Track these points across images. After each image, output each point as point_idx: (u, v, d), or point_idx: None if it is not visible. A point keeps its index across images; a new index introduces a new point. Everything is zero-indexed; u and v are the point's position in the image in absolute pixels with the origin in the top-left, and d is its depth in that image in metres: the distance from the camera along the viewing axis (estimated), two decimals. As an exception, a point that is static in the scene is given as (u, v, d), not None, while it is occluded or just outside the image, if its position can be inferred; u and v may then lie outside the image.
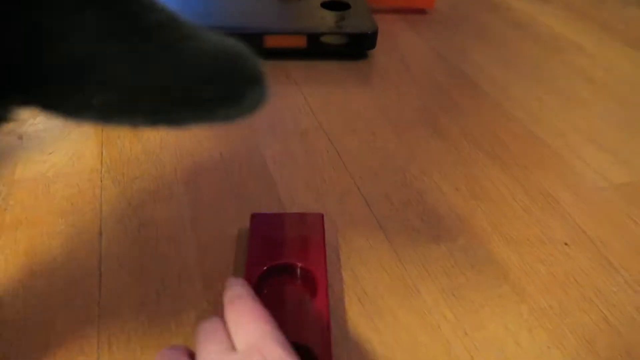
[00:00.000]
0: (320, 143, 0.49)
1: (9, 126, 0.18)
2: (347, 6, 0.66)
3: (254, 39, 0.60)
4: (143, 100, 0.17)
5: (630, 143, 0.51)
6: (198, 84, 0.17)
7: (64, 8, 0.15)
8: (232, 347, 0.24)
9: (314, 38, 0.61)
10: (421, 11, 0.78)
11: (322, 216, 0.38)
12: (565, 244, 0.39)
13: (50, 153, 0.46)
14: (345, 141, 0.50)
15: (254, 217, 0.38)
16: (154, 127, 0.17)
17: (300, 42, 0.61)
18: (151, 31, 0.16)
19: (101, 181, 0.43)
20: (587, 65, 0.66)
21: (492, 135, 0.51)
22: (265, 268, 0.33)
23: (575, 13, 0.80)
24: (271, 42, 0.61)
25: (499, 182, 0.45)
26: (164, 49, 0.17)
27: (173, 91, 0.17)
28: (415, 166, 0.47)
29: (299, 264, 0.34)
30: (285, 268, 0.34)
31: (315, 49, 0.62)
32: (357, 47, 0.63)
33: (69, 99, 0.17)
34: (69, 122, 0.17)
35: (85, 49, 0.16)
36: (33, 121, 0.50)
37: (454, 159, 0.48)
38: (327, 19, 0.63)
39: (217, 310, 0.33)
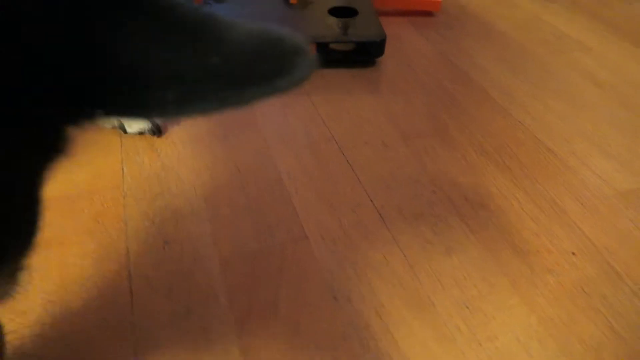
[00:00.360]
0: (332, 154, 0.51)
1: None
2: (354, 12, 0.67)
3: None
4: (211, 87, 0.19)
5: (636, 148, 0.52)
6: (257, 63, 0.20)
7: (111, 24, 0.18)
8: None
9: (322, 47, 0.62)
10: (428, 13, 0.78)
11: None
12: (573, 253, 0.41)
13: (72, 171, 0.48)
14: (356, 152, 0.51)
15: None
16: (224, 109, 0.20)
17: (309, 50, 0.62)
18: (193, 30, 0.19)
19: (124, 198, 0.45)
20: (592, 67, 0.66)
21: (499, 143, 0.53)
22: None
23: (580, 12, 0.81)
24: (280, 51, 0.62)
25: (507, 191, 0.47)
26: (214, 41, 0.19)
27: (236, 74, 0.20)
28: (425, 176, 0.48)
29: None
30: None
31: (323, 57, 0.63)
32: (366, 55, 0.64)
33: (148, 100, 0.20)
34: (151, 118, 0.19)
35: (141, 55, 0.19)
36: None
37: (462, 168, 0.49)
38: (334, 26, 0.64)
39: (242, 326, 0.35)
